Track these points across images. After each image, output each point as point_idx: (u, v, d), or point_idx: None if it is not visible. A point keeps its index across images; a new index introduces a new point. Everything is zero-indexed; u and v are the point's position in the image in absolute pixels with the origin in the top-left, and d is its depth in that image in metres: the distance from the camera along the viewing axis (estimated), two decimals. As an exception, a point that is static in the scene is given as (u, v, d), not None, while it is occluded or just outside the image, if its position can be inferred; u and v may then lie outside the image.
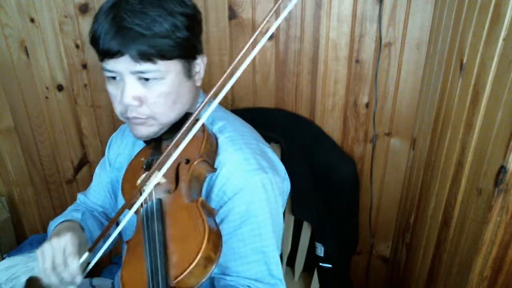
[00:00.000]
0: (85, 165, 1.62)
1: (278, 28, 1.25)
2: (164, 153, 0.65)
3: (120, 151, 0.96)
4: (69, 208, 1.01)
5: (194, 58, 0.79)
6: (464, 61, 0.89)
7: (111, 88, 0.76)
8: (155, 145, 0.82)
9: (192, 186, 0.71)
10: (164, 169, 0.66)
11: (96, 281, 1.21)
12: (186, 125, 0.63)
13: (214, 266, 0.61)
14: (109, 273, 1.57)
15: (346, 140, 1.36)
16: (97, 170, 1.02)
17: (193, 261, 0.59)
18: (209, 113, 0.62)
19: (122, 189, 0.80)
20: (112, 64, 0.72)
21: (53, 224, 0.91)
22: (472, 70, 0.84)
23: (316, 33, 1.23)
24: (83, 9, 1.34)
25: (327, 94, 1.30)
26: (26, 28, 1.40)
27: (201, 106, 0.62)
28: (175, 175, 0.72)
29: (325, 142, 1.32)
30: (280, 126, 1.29)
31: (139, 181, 0.74)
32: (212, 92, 0.61)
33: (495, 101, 0.74)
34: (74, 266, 0.73)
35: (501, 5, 0.73)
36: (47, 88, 1.49)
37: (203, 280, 0.61)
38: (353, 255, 1.50)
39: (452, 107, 0.96)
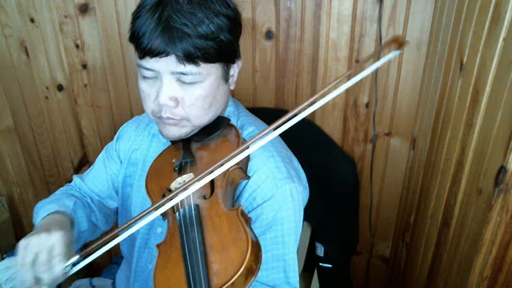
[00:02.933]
0: (85, 165, 1.62)
1: (278, 28, 1.25)
2: (210, 169, 0.66)
3: (136, 146, 0.93)
4: (61, 190, 0.97)
5: (233, 62, 0.79)
6: (464, 61, 0.89)
7: (145, 86, 0.75)
8: (185, 146, 0.81)
9: (227, 192, 0.71)
10: (204, 181, 0.67)
11: (96, 281, 1.21)
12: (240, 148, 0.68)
13: (254, 278, 0.60)
14: (109, 273, 1.58)
15: (346, 140, 1.36)
16: (101, 156, 0.99)
17: (236, 272, 0.58)
18: (258, 144, 0.67)
19: (147, 188, 0.79)
20: (152, 63, 0.70)
21: (41, 210, 0.84)
22: (472, 70, 0.84)
23: (316, 33, 1.23)
24: (83, 9, 1.34)
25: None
26: (26, 28, 1.40)
27: (258, 136, 0.66)
28: (210, 181, 0.72)
29: (325, 142, 1.32)
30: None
31: (173, 184, 0.74)
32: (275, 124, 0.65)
33: (495, 101, 0.74)
34: (58, 268, 0.68)
35: (501, 5, 0.73)
36: (47, 88, 1.49)
37: None
38: (353, 255, 1.50)
39: (452, 107, 0.95)
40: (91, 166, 1.00)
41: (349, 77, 0.64)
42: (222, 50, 0.72)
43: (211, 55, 0.70)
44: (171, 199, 0.67)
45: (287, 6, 1.21)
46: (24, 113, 1.55)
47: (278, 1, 1.21)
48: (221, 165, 0.67)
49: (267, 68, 1.30)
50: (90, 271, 1.69)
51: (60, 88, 1.48)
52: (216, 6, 0.70)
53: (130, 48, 1.37)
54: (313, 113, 1.33)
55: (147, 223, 0.88)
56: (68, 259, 0.69)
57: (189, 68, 0.69)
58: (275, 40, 1.26)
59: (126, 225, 0.70)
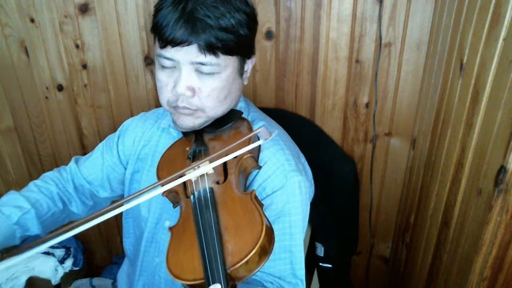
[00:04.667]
0: (85, 165, 1.62)
1: (278, 28, 1.25)
2: (223, 150, 0.69)
3: (145, 142, 0.94)
4: (44, 179, 0.96)
5: (249, 57, 0.82)
6: (464, 61, 0.89)
7: (163, 75, 0.77)
8: (197, 137, 0.83)
9: (240, 180, 0.73)
10: (217, 162, 0.69)
11: (96, 281, 1.21)
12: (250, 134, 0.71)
13: (267, 259, 0.62)
14: (109, 273, 1.57)
15: (346, 140, 1.36)
16: (101, 146, 1.00)
17: (251, 250, 0.59)
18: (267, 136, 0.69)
19: (158, 177, 0.81)
20: (173, 52, 0.73)
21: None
22: (472, 70, 0.84)
23: (316, 33, 1.23)
24: (83, 9, 1.34)
25: (327, 94, 1.30)
26: (26, 28, 1.40)
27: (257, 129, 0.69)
28: (223, 168, 0.74)
29: (325, 142, 1.32)
30: (280, 126, 1.29)
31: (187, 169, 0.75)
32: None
33: (495, 101, 0.74)
34: None
35: (501, 5, 0.73)
36: (47, 88, 1.49)
37: (255, 272, 0.61)
38: (353, 255, 1.50)
39: (452, 107, 0.96)
40: (90, 153, 1.01)
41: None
42: (240, 44, 0.75)
43: (231, 48, 0.73)
44: (182, 176, 0.69)
45: (287, 6, 1.21)
46: (24, 113, 1.55)
47: (278, 1, 1.21)
48: (234, 149, 0.69)
49: (267, 68, 1.30)
50: (90, 271, 1.69)
51: (60, 88, 1.48)
52: (237, 2, 0.74)
53: (130, 48, 1.37)
54: (313, 113, 1.34)
55: (155, 217, 0.90)
56: None
57: (209, 58, 0.72)
58: (275, 40, 1.26)
59: (137, 193, 0.68)
